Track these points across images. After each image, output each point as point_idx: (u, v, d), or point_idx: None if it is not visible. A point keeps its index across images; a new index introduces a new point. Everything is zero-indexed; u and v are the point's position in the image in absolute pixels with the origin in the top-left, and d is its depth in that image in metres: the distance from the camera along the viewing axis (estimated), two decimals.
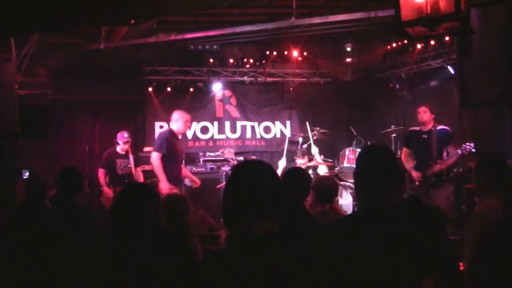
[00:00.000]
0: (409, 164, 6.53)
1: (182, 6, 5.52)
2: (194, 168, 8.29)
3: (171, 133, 6.32)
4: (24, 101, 7.29)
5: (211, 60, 9.53)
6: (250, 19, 7.58)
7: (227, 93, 10.06)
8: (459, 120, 6.41)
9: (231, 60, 9.72)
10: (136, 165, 7.62)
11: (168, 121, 9.49)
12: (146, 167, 8.08)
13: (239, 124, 10.11)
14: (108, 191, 7.32)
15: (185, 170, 6.83)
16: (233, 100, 10.11)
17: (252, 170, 1.87)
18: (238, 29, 7.40)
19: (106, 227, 4.09)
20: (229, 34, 7.76)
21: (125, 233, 2.47)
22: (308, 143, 8.43)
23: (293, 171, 3.91)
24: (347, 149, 8.26)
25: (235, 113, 10.12)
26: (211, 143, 9.94)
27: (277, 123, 10.25)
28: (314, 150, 8.09)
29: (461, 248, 2.77)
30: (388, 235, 2.05)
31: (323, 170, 8.08)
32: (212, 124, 9.99)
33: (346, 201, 7.58)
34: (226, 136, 10.04)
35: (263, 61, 9.73)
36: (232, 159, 8.97)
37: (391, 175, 2.20)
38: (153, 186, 6.02)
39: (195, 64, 9.57)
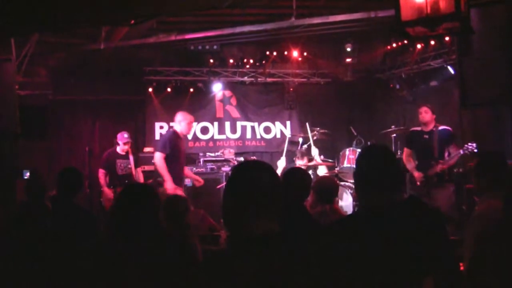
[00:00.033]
0: (410, 164, 6.53)
1: (182, 6, 5.51)
2: (194, 169, 8.29)
3: (174, 134, 6.37)
4: (24, 102, 7.30)
5: (211, 61, 9.53)
6: (250, 19, 7.59)
7: (227, 93, 10.06)
8: (459, 120, 6.41)
9: (231, 61, 9.72)
10: (136, 166, 7.62)
11: (168, 121, 9.57)
12: (146, 168, 8.09)
13: (239, 124, 10.11)
14: (108, 192, 7.32)
15: (188, 170, 6.87)
16: (233, 101, 10.11)
17: (252, 171, 1.87)
18: (238, 30, 7.41)
19: (107, 227, 4.10)
20: (229, 35, 7.77)
21: (125, 233, 2.48)
22: (308, 143, 8.43)
23: (293, 171, 3.91)
24: (347, 149, 8.26)
25: (235, 113, 10.12)
26: (211, 144, 9.93)
27: (277, 123, 10.25)
28: (314, 151, 8.08)
29: (461, 248, 2.77)
30: (388, 235, 2.05)
31: (322, 171, 8.08)
32: (212, 124, 9.99)
33: (346, 202, 7.57)
34: (226, 137, 10.04)
35: (263, 62, 9.73)
36: (232, 159, 8.97)
37: (391, 175, 2.20)
38: (157, 186, 6.04)
39: (195, 65, 9.58)
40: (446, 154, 6.26)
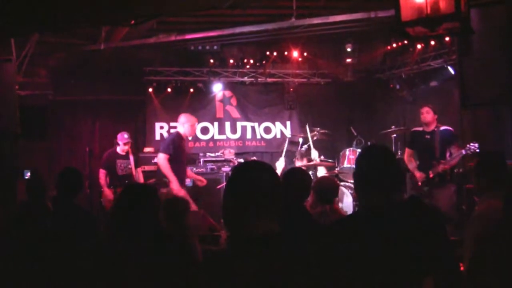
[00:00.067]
0: (412, 164, 6.53)
1: (182, 6, 5.52)
2: (194, 169, 8.29)
3: (178, 136, 6.44)
4: (24, 102, 7.30)
5: (211, 61, 9.53)
6: (250, 19, 7.59)
7: (227, 93, 10.06)
8: (459, 120, 6.41)
9: (231, 61, 9.72)
10: (136, 166, 7.62)
11: (168, 121, 9.59)
12: (147, 168, 8.10)
13: (239, 124, 10.11)
14: (108, 192, 7.32)
15: (190, 171, 6.92)
16: (233, 101, 10.11)
17: (252, 171, 1.87)
18: (238, 30, 7.41)
19: (107, 227, 4.10)
20: (229, 35, 7.77)
21: (125, 233, 2.48)
22: (308, 144, 8.42)
23: (293, 172, 3.91)
24: (347, 150, 8.26)
25: (235, 113, 10.12)
26: (211, 144, 9.93)
27: (278, 123, 10.25)
28: (314, 154, 8.06)
29: (461, 248, 2.77)
30: (388, 235, 2.05)
31: (322, 172, 8.07)
32: (213, 124, 9.99)
33: (346, 203, 7.56)
34: (227, 137, 10.04)
35: (263, 62, 9.74)
36: (233, 159, 8.97)
37: (391, 175, 2.20)
38: (163, 187, 6.06)
39: (195, 65, 9.58)
40: (448, 154, 6.26)
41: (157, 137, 9.56)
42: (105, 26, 7.09)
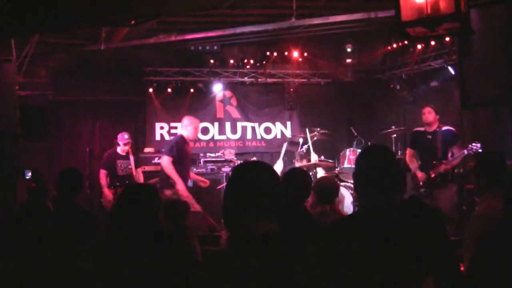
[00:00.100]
0: (413, 164, 6.53)
1: (182, 6, 5.52)
2: (194, 169, 8.29)
3: (181, 138, 6.50)
4: (25, 102, 7.31)
5: (212, 61, 9.54)
6: (250, 19, 7.59)
7: (228, 94, 10.06)
8: (459, 120, 6.41)
9: (232, 61, 9.73)
10: (136, 166, 7.63)
11: (168, 121, 9.60)
12: (147, 168, 8.11)
13: (239, 124, 10.11)
14: (108, 192, 7.32)
15: (192, 173, 7.01)
16: (234, 101, 10.11)
17: (253, 171, 1.87)
18: (238, 30, 7.40)
19: (107, 227, 4.10)
20: (230, 35, 7.77)
21: (125, 233, 2.48)
22: (307, 145, 8.41)
23: (293, 172, 3.92)
24: (348, 150, 8.25)
25: (235, 113, 10.12)
26: (211, 144, 9.93)
27: (278, 123, 10.25)
28: (314, 157, 8.05)
29: (461, 248, 2.77)
30: (388, 235, 2.05)
31: (322, 172, 8.06)
32: (213, 125, 9.99)
33: (346, 203, 7.54)
34: (227, 137, 10.04)
35: (264, 62, 9.74)
36: (233, 160, 8.97)
37: (391, 175, 2.20)
38: (169, 188, 6.07)
39: (196, 65, 9.58)
40: (449, 154, 6.25)
41: (157, 138, 9.56)
42: (105, 26, 7.09)
